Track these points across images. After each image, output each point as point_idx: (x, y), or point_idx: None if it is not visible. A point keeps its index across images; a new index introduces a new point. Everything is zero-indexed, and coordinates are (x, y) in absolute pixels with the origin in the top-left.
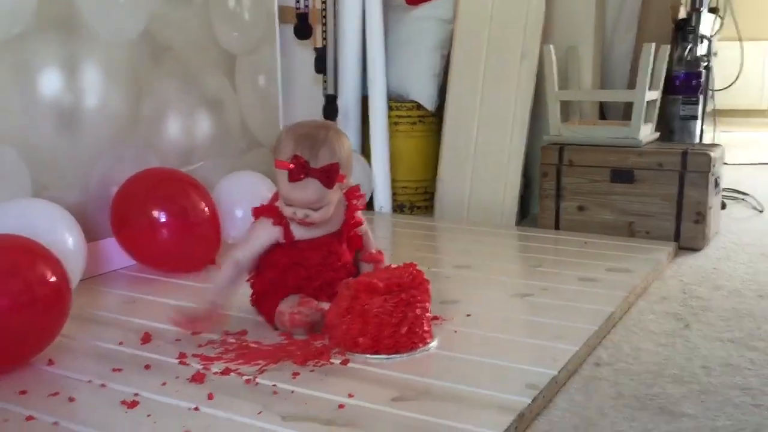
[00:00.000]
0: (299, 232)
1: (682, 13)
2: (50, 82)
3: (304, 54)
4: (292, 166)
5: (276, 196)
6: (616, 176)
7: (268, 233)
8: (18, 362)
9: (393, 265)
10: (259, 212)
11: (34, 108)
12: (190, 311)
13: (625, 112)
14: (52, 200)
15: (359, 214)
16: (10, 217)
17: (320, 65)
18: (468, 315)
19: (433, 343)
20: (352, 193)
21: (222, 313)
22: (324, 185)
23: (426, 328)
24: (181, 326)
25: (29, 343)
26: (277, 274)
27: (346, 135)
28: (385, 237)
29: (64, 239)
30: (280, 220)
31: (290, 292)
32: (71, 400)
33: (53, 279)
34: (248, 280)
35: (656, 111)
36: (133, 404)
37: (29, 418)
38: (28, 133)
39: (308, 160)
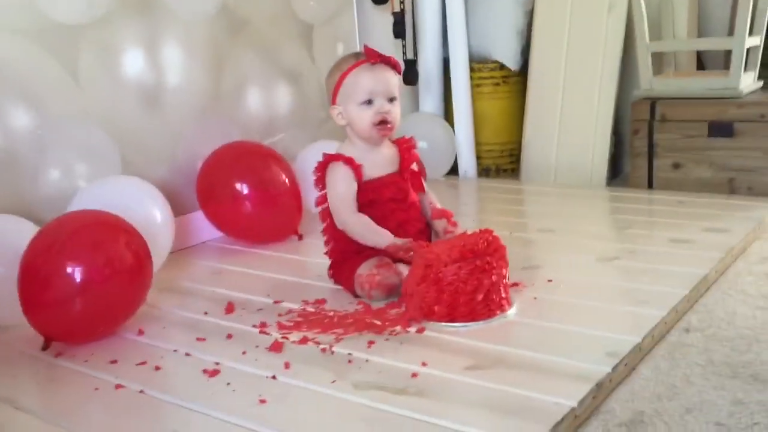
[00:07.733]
0: (367, 172)
1: None
2: (134, 62)
3: (381, 19)
4: (364, 56)
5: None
6: (715, 130)
7: (348, 174)
8: (106, 330)
9: (469, 232)
10: (331, 158)
11: (120, 88)
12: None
13: (726, 61)
14: (140, 176)
15: (413, 150)
16: (102, 195)
17: (398, 30)
18: (549, 281)
19: (512, 311)
20: (404, 139)
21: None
22: (394, 71)
23: (503, 295)
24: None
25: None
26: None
27: None
28: (469, 202)
29: (153, 214)
30: (351, 163)
31: (368, 255)
32: (157, 368)
33: (135, 250)
34: (325, 253)
35: (758, 58)
36: (213, 373)
37: (118, 386)
38: (115, 113)
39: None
